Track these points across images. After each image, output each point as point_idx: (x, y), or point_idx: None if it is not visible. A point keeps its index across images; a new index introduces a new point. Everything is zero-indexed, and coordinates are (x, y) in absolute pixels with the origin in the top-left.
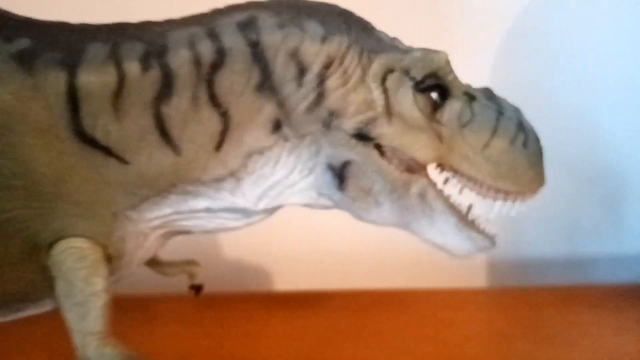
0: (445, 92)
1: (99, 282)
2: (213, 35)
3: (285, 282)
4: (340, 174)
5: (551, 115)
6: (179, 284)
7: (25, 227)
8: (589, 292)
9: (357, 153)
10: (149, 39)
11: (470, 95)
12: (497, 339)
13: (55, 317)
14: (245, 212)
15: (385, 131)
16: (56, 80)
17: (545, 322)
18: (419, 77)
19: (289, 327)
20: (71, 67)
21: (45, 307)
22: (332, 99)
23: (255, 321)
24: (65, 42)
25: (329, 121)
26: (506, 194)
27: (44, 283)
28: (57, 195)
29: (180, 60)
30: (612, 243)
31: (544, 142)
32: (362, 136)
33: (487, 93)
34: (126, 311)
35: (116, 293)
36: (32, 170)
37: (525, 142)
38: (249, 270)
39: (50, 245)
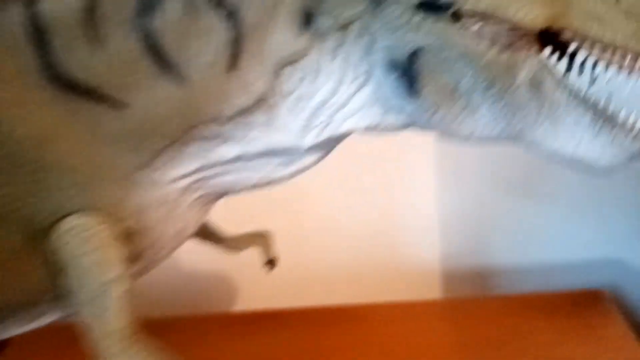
0: None
1: (116, 266)
2: None
3: (239, 302)
4: (408, 71)
5: None
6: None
7: (18, 207)
8: (540, 299)
9: (428, 33)
10: None
11: None
12: (452, 350)
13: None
14: (291, 154)
15: None
16: (12, 14)
17: (499, 331)
18: None
19: (245, 348)
20: None
21: (60, 312)
22: None
23: (211, 343)
24: None
25: None
26: None
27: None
28: (44, 162)
29: None
30: (561, 250)
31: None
32: (430, 5)
33: None
34: (77, 337)
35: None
36: (7, 133)
37: None
38: (203, 292)
39: (49, 229)
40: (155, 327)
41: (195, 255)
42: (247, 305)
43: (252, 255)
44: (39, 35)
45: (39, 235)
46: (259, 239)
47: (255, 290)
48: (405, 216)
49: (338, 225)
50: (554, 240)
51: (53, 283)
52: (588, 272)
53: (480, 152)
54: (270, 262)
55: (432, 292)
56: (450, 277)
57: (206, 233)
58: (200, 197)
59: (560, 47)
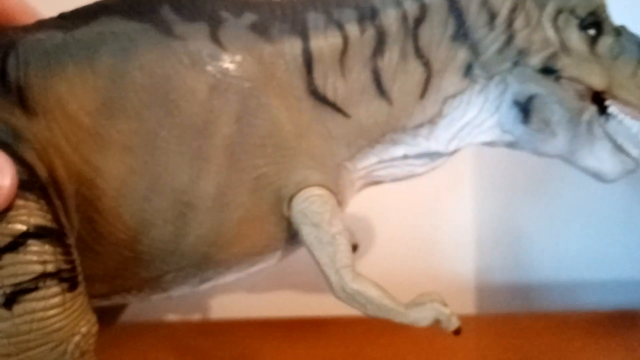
0: (599, 28)
1: (340, 223)
2: None
3: (281, 308)
4: (525, 108)
5: None
6: (175, 308)
7: (273, 181)
8: (578, 318)
9: (542, 86)
10: (356, 4)
11: (617, 31)
12: None
13: None
14: (433, 156)
15: (566, 63)
16: (292, 46)
17: (535, 348)
18: (582, 15)
19: (285, 355)
20: (302, 34)
21: (273, 260)
22: (519, 39)
23: (252, 348)
24: (285, 14)
25: (517, 59)
26: None
27: (282, 235)
28: (297, 150)
29: (390, 18)
30: (598, 268)
31: None
32: (546, 70)
33: (625, 29)
34: (123, 339)
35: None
36: (279, 128)
37: None
38: (246, 297)
39: (291, 198)
40: (204, 329)
41: None
42: (290, 312)
43: (290, 266)
44: (308, 62)
45: (283, 202)
46: None
47: (299, 297)
48: (442, 230)
49: (373, 239)
50: (593, 257)
51: (283, 238)
52: (625, 291)
53: (519, 168)
54: (352, 248)
55: (466, 307)
56: (485, 292)
57: None
58: (363, 183)
59: (603, 102)
